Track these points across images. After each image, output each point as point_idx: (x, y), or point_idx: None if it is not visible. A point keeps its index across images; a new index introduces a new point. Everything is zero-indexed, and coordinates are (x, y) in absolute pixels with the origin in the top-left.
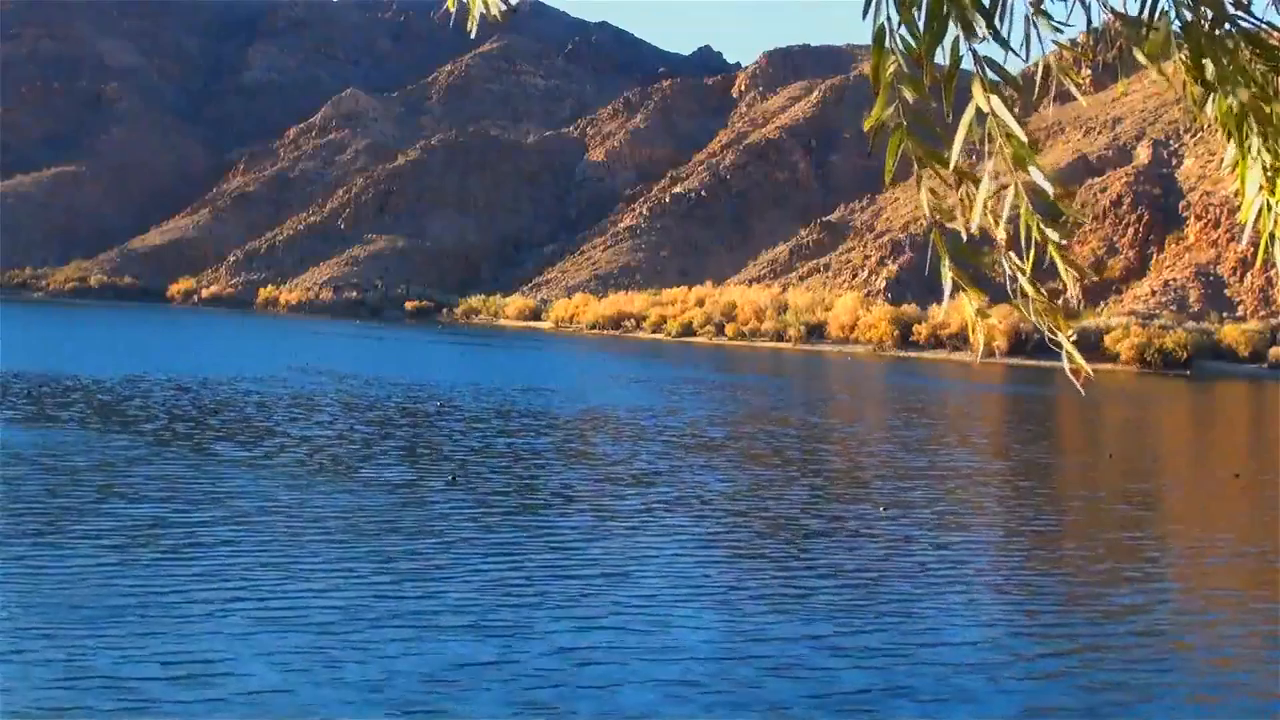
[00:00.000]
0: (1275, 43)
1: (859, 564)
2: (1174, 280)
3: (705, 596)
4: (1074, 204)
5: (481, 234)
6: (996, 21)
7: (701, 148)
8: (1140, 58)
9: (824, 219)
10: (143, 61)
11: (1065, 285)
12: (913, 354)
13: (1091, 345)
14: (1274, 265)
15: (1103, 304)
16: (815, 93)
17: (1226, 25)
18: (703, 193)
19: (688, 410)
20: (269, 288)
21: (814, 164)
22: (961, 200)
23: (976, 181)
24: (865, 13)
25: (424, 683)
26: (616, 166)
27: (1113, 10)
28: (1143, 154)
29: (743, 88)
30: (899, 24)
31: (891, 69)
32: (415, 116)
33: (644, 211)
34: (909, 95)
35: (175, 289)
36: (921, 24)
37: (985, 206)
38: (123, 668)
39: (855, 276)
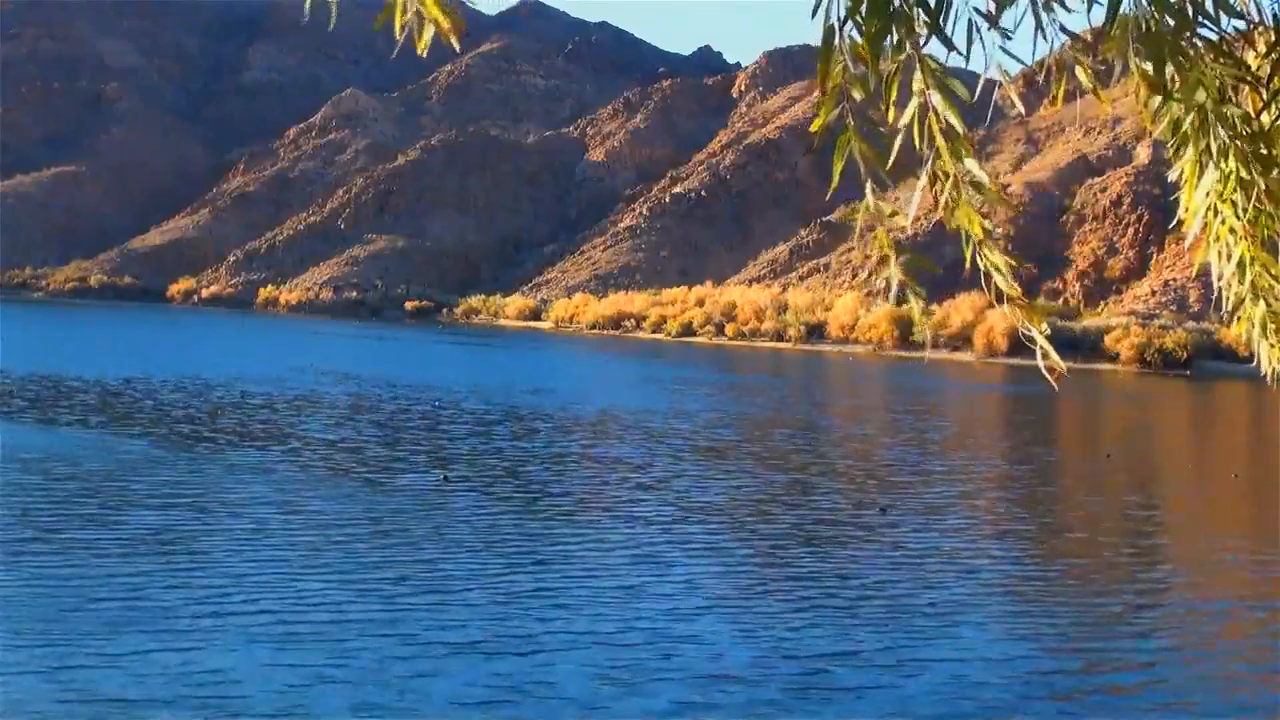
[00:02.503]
0: (1238, 49)
1: (866, 571)
2: (1174, 280)
3: (722, 608)
4: (1073, 201)
5: (481, 234)
6: (941, 21)
7: (701, 148)
8: (1084, 79)
9: (824, 219)
10: (143, 61)
11: (1000, 283)
12: (913, 354)
13: (1092, 345)
14: (1213, 269)
15: (1102, 304)
16: (815, 92)
17: (1189, 33)
18: (703, 193)
19: (696, 412)
20: (269, 288)
21: (814, 164)
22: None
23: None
24: (814, 13)
25: (437, 699)
26: (616, 166)
27: (1063, 29)
28: (1143, 154)
29: (743, 88)
30: (846, 23)
31: (839, 70)
32: (415, 116)
33: (644, 211)
34: (856, 95)
35: (175, 289)
36: (864, 22)
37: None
38: (126, 683)
39: (855, 276)
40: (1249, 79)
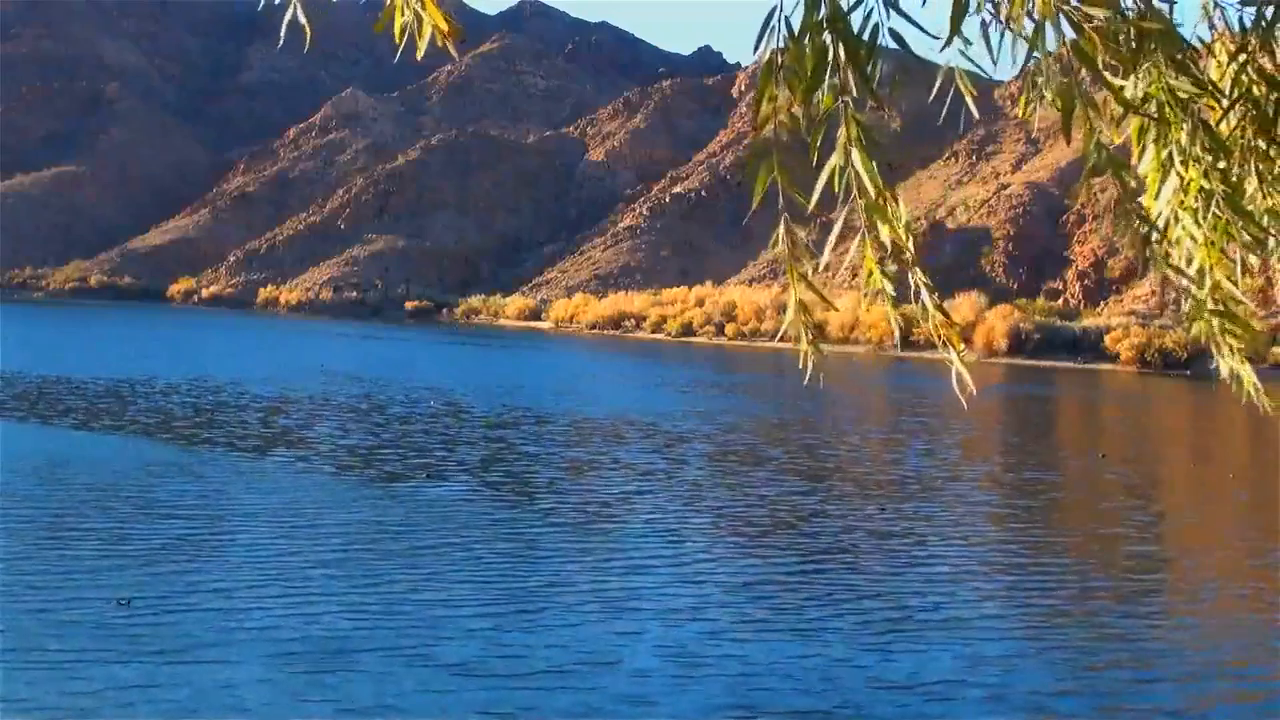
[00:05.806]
0: (1196, 64)
1: (886, 586)
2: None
3: (747, 626)
4: (1073, 201)
5: (481, 234)
6: (869, 74)
7: (701, 148)
8: (1047, 94)
9: (824, 219)
10: (143, 61)
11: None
12: (912, 354)
13: (1092, 345)
14: (1156, 266)
15: (1102, 304)
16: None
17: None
18: (703, 193)
19: (707, 413)
20: (269, 288)
21: (814, 163)
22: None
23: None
24: (756, 46)
25: (450, 716)
26: (616, 166)
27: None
28: None
29: (743, 88)
30: (784, 60)
31: (770, 106)
32: (415, 116)
33: (644, 211)
34: (784, 132)
35: (175, 289)
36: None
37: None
38: (129, 696)
39: (855, 276)
40: (1209, 90)
